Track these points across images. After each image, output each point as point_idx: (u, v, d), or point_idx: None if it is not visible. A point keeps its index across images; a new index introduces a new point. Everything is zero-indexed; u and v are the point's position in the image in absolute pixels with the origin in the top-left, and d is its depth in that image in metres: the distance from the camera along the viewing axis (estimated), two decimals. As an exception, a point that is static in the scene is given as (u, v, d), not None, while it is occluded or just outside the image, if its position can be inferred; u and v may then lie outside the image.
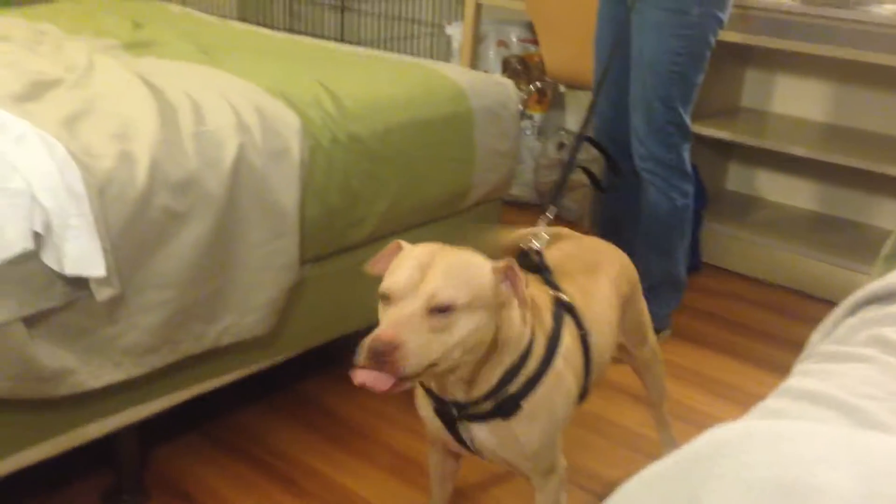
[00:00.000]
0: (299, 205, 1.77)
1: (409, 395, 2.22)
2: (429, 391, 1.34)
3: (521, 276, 1.23)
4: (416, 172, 2.06)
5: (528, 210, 3.71)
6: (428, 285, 1.15)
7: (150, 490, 1.79)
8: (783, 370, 2.42)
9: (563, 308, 1.40)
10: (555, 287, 1.43)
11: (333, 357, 2.36)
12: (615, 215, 2.78)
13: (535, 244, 1.51)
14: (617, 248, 1.71)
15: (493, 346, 1.25)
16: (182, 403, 1.75)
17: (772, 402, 1.01)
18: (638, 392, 2.31)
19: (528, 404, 1.30)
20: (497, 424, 1.31)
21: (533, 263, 1.47)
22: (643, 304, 1.76)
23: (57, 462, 1.79)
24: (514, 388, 1.29)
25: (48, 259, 1.35)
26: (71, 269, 1.35)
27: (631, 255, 2.64)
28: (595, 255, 1.62)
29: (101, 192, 1.42)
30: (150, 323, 1.55)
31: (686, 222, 2.47)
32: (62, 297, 1.40)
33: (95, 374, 1.50)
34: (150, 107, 1.64)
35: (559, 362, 1.34)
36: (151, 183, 1.50)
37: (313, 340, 1.99)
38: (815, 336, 1.21)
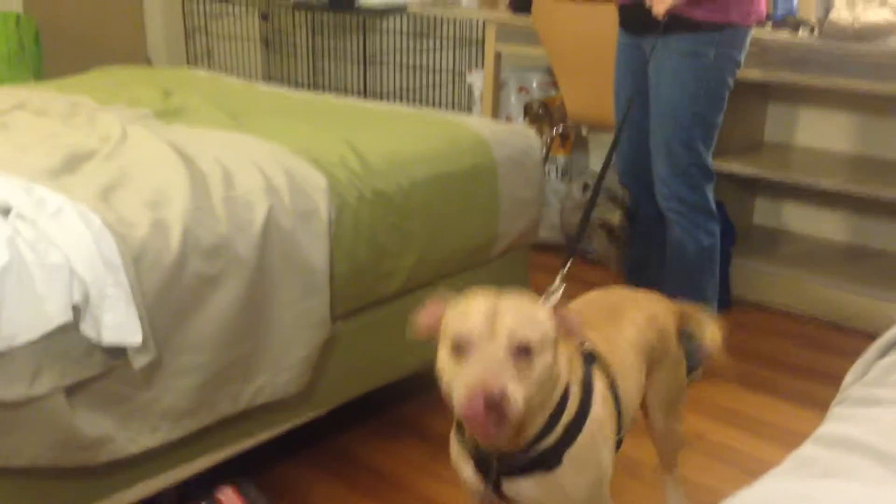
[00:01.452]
0: (329, 263, 1.80)
1: (442, 443, 2.22)
2: (465, 439, 1.33)
3: (574, 315, 1.24)
4: (442, 225, 2.08)
5: (556, 252, 3.72)
6: (504, 328, 1.15)
7: (190, 551, 1.81)
8: (820, 405, 2.40)
9: (591, 356, 1.39)
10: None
11: (368, 409, 2.37)
12: (641, 257, 2.78)
13: (550, 298, 1.50)
14: (652, 298, 1.67)
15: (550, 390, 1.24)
16: (217, 462, 1.77)
17: (806, 450, 1.00)
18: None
19: (571, 453, 1.28)
20: (542, 478, 1.29)
21: None
22: (679, 368, 1.69)
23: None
24: (553, 438, 1.27)
25: (87, 329, 1.39)
26: (109, 339, 1.39)
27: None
28: (622, 302, 1.61)
29: (136, 261, 1.46)
30: (186, 386, 1.57)
31: (714, 262, 2.46)
32: (100, 366, 1.44)
33: (134, 440, 1.52)
34: (181, 174, 1.69)
35: (597, 408, 1.32)
36: (184, 249, 1.54)
37: (347, 395, 2.00)
38: (849, 377, 1.20)
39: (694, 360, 2.56)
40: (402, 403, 2.42)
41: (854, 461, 0.88)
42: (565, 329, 1.23)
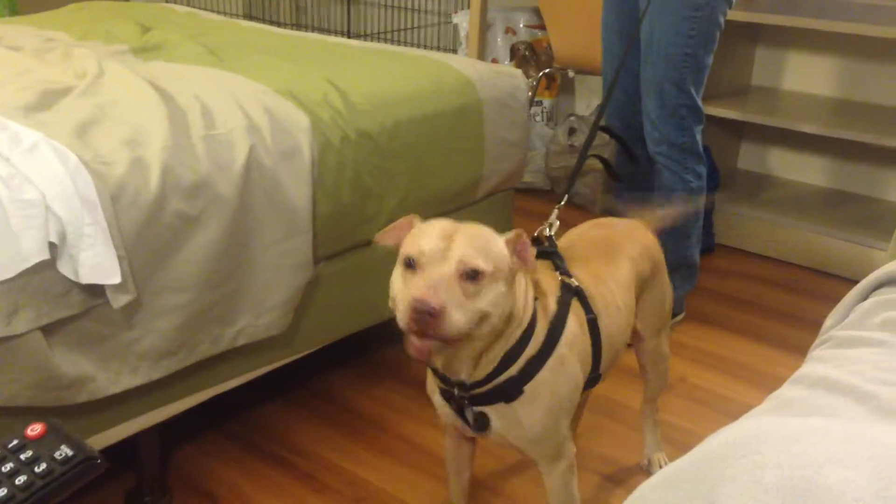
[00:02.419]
0: (311, 203, 1.77)
1: (422, 386, 2.24)
2: (435, 372, 1.36)
3: (530, 244, 1.26)
4: (426, 166, 2.06)
5: (539, 196, 3.70)
6: (456, 252, 1.18)
7: (172, 490, 1.81)
8: (799, 349, 2.43)
9: (571, 292, 1.40)
10: (564, 272, 1.43)
11: (350, 352, 2.37)
12: (628, 200, 2.77)
13: (546, 230, 1.52)
14: (645, 229, 1.70)
15: (505, 322, 1.26)
16: (201, 403, 1.77)
17: (787, 390, 1.01)
18: (655, 377, 2.31)
19: (530, 388, 1.32)
20: (501, 408, 1.33)
21: (544, 250, 1.48)
22: (667, 290, 1.74)
23: (82, 465, 1.82)
24: (514, 370, 1.30)
25: (64, 268, 1.37)
26: (87, 278, 1.37)
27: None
28: (618, 236, 1.62)
29: (114, 200, 1.44)
30: (167, 327, 1.56)
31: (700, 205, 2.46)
32: (79, 306, 1.42)
33: (114, 380, 1.51)
34: (160, 112, 1.65)
35: (563, 348, 1.35)
36: (164, 188, 1.51)
37: (329, 337, 2.00)
38: (829, 321, 1.21)
39: (676, 305, 2.57)
40: (383, 346, 2.42)
41: (833, 401, 0.89)
42: (521, 255, 1.25)
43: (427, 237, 1.21)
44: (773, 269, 3.02)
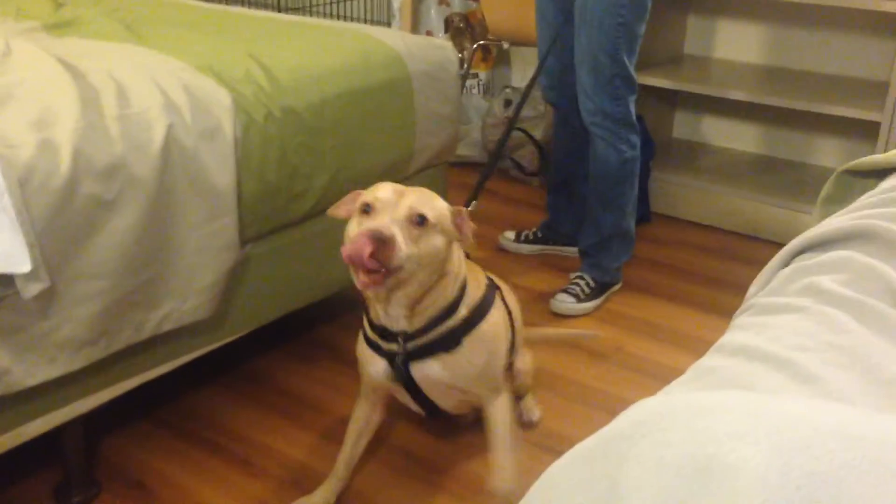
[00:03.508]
0: (236, 184, 1.73)
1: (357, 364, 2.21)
2: (373, 328, 1.54)
3: (469, 221, 1.45)
4: (355, 143, 2.02)
5: (476, 170, 3.69)
6: (407, 201, 1.37)
7: (101, 482, 1.76)
8: (729, 313, 2.45)
9: (495, 286, 1.66)
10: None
11: (283, 333, 2.33)
12: (567, 172, 2.77)
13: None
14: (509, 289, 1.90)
15: (441, 275, 1.46)
16: (128, 391, 1.72)
17: (707, 360, 1.00)
18: (593, 349, 2.32)
19: (469, 339, 1.53)
20: (444, 358, 1.53)
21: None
22: (527, 355, 1.95)
23: (5, 461, 1.76)
24: (453, 321, 1.51)
25: (-30, 258, 1.30)
26: (-6, 266, 1.31)
27: (583, 211, 2.65)
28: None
29: (21, 184, 1.37)
30: (85, 315, 1.51)
31: (634, 174, 2.47)
32: (-12, 295, 1.36)
33: (30, 372, 1.46)
34: (70, 91, 1.58)
35: (496, 311, 1.59)
36: (75, 171, 1.45)
37: (260, 319, 1.96)
38: (752, 288, 1.21)
39: (613, 275, 2.59)
40: (316, 326, 2.39)
41: (752, 369, 0.89)
42: (459, 227, 1.44)
43: (382, 189, 1.40)
44: (707, 236, 3.06)
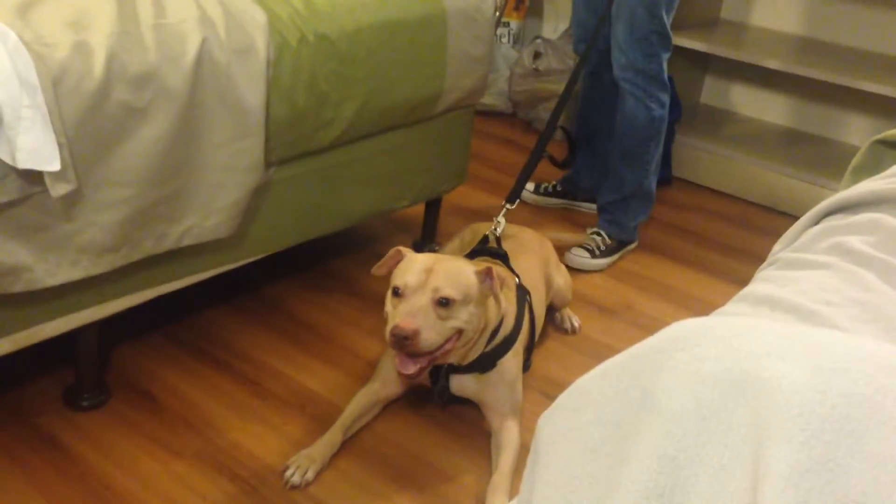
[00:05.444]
0: (265, 104, 1.72)
1: (370, 299, 2.23)
2: None
3: (497, 276, 1.60)
4: (386, 75, 2.01)
5: (500, 120, 3.67)
6: (432, 283, 1.53)
7: (111, 388, 1.79)
8: (746, 282, 2.46)
9: (525, 291, 1.83)
10: (511, 269, 1.86)
11: (299, 262, 2.34)
12: (591, 127, 2.75)
13: (498, 231, 1.94)
14: (538, 237, 2.12)
15: (483, 326, 1.66)
16: (144, 303, 1.74)
17: (731, 307, 1.01)
18: (602, 303, 2.33)
19: (502, 360, 1.72)
20: (479, 376, 1.72)
21: (495, 251, 1.89)
22: (563, 272, 2.17)
23: (19, 360, 1.79)
24: (489, 349, 1.70)
25: (0, 151, 1.31)
26: (24, 162, 1.31)
27: (604, 167, 2.64)
28: (524, 240, 2.05)
29: (55, 83, 1.37)
30: (109, 221, 1.51)
31: (661, 133, 2.45)
32: (16, 192, 1.37)
33: (52, 272, 1.47)
34: (107, -4, 1.57)
35: (518, 343, 1.76)
36: (109, 75, 1.45)
37: (279, 244, 1.97)
38: (778, 245, 1.21)
39: (629, 234, 2.58)
40: (331, 259, 2.40)
41: (778, 317, 0.89)
42: (500, 282, 1.61)
43: (410, 271, 1.56)
44: (726, 204, 3.05)
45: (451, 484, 1.66)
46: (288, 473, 1.60)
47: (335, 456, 1.67)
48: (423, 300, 1.52)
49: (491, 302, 1.68)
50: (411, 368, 1.53)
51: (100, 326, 1.70)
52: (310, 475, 1.60)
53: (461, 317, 1.56)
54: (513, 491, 1.61)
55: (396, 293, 1.55)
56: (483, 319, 1.64)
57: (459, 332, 1.58)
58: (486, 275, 1.61)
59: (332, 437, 1.67)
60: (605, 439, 0.58)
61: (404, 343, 1.49)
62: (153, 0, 1.62)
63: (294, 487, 1.59)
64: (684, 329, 0.62)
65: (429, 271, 1.55)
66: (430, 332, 1.51)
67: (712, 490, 0.49)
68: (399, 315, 1.51)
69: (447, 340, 1.57)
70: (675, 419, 0.51)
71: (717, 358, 0.56)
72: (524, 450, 1.74)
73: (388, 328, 1.51)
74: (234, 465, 1.64)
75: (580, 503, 0.59)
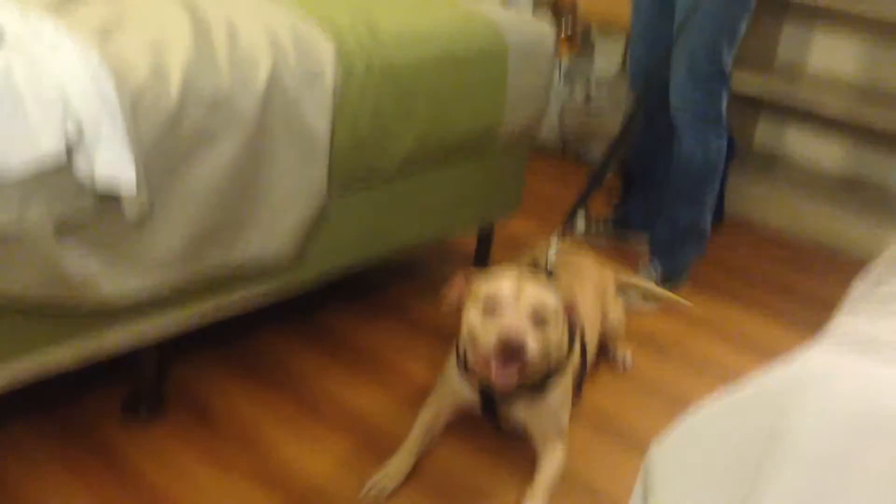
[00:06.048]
0: (330, 131, 1.76)
1: (422, 326, 2.24)
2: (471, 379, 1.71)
3: (579, 311, 1.67)
4: (446, 108, 2.04)
5: (550, 158, 3.69)
6: (528, 298, 1.53)
7: (168, 402, 1.82)
8: (799, 324, 2.43)
9: (574, 328, 1.78)
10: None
11: (352, 290, 2.37)
12: (645, 165, 2.76)
13: (551, 257, 1.92)
14: (598, 262, 2.13)
15: (556, 354, 1.66)
16: (202, 326, 1.77)
17: (825, 348, 0.99)
18: (653, 339, 2.32)
19: (552, 384, 1.70)
20: (530, 400, 1.70)
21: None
22: (619, 306, 2.15)
23: (81, 372, 1.83)
24: (544, 373, 1.69)
25: (80, 167, 1.35)
26: (102, 179, 1.35)
27: (658, 205, 2.63)
28: (585, 268, 2.04)
29: (133, 104, 1.42)
30: (176, 240, 1.55)
31: (717, 173, 2.44)
32: (91, 208, 1.41)
33: (120, 287, 1.51)
34: (184, 23, 1.62)
35: (569, 366, 1.76)
36: (184, 98, 1.49)
37: (335, 272, 1.99)
38: (856, 292, 1.19)
39: (682, 272, 2.57)
40: (385, 287, 2.42)
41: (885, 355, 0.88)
42: (569, 315, 1.65)
43: (503, 284, 1.55)
44: (779, 246, 3.02)
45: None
46: (365, 492, 1.63)
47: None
48: (522, 313, 1.52)
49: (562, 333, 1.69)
50: (511, 378, 1.52)
51: (160, 343, 1.73)
52: (387, 492, 1.65)
53: (552, 336, 1.58)
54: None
55: (489, 307, 1.54)
56: (561, 343, 1.66)
57: (546, 351, 1.58)
58: (569, 308, 1.65)
59: (404, 458, 1.70)
60: (729, 475, 0.58)
61: (513, 351, 1.48)
62: (227, 27, 1.67)
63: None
64: (806, 369, 0.62)
65: (520, 286, 1.55)
66: (534, 343, 1.52)
67: None
68: (504, 324, 1.50)
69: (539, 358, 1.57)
70: (816, 464, 0.51)
71: (848, 396, 0.56)
72: (566, 478, 1.74)
73: (490, 338, 1.50)
74: (287, 482, 1.65)
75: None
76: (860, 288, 1.12)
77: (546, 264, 1.92)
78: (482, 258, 2.50)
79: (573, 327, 1.76)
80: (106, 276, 1.48)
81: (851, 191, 3.14)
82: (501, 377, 1.52)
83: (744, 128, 3.39)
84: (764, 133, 3.50)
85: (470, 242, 2.56)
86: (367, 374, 2.02)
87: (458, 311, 1.64)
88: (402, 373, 2.04)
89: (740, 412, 0.61)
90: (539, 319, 1.54)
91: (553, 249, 1.96)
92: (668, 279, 2.54)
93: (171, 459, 1.67)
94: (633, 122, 2.23)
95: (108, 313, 1.56)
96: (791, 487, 0.52)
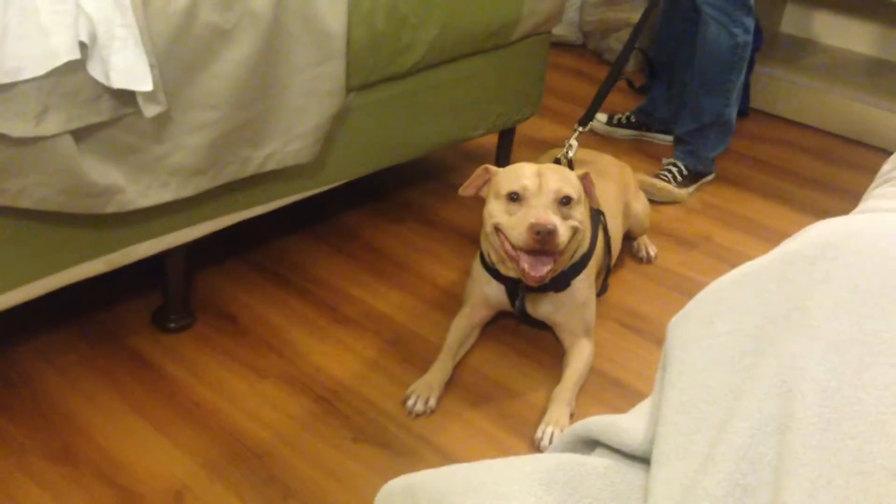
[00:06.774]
0: (346, 28, 1.70)
1: (444, 229, 2.22)
2: (496, 275, 1.71)
3: (593, 183, 1.67)
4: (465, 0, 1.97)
5: (571, 51, 3.59)
6: (550, 185, 1.54)
7: (196, 312, 1.83)
8: (827, 214, 2.39)
9: (598, 213, 1.79)
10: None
11: (373, 192, 2.35)
12: (668, 55, 2.67)
13: (570, 154, 1.91)
14: (617, 163, 2.09)
15: (584, 235, 1.66)
16: (226, 230, 1.76)
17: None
18: (680, 235, 2.30)
19: (576, 280, 1.70)
20: (553, 296, 1.71)
21: None
22: (642, 199, 2.14)
23: (110, 283, 1.83)
24: (566, 268, 1.68)
25: (94, 71, 1.31)
26: (118, 82, 1.32)
27: (682, 96, 2.57)
28: (602, 164, 2.01)
29: (145, 3, 1.37)
30: (197, 144, 1.52)
31: (744, 60, 2.37)
32: (109, 113, 1.38)
33: (143, 193, 1.49)
34: (190, -83, 1.55)
35: (592, 261, 1.74)
36: (196, -4, 1.44)
37: (356, 171, 1.96)
38: (887, 165, 1.16)
39: (707, 165, 2.53)
40: (406, 189, 2.40)
41: None
42: (586, 192, 1.64)
43: (525, 176, 1.56)
44: (807, 136, 2.95)
45: (522, 402, 1.67)
46: (410, 403, 1.62)
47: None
48: (547, 200, 1.53)
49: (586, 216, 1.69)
50: (543, 270, 1.52)
51: (185, 251, 1.72)
52: (432, 402, 1.63)
53: (577, 216, 1.57)
54: (575, 405, 1.64)
55: (514, 198, 1.55)
56: (587, 223, 1.66)
57: (575, 231, 1.58)
58: (584, 181, 1.65)
59: (444, 364, 1.69)
60: (745, 352, 0.56)
61: (546, 239, 1.48)
62: (236, -80, 1.59)
63: (419, 415, 1.61)
64: (831, 234, 0.59)
65: (539, 175, 1.56)
66: (563, 228, 1.52)
67: (881, 417, 0.47)
68: (532, 214, 1.50)
69: (569, 241, 1.58)
70: (838, 347, 0.48)
71: (875, 271, 0.53)
72: (594, 373, 1.74)
73: (522, 229, 1.50)
74: (317, 387, 1.67)
75: (714, 413, 0.58)
76: (889, 167, 1.09)
77: (566, 159, 1.90)
78: (504, 158, 2.46)
79: (595, 224, 1.76)
80: (128, 186, 1.46)
81: (880, 75, 3.05)
82: (534, 269, 1.52)
83: (770, 15, 3.27)
84: (790, 20, 3.39)
85: (490, 145, 2.51)
86: (390, 276, 2.02)
87: (479, 204, 1.64)
88: (424, 274, 2.04)
89: (757, 284, 0.58)
90: (563, 202, 1.55)
91: (573, 143, 1.93)
92: (693, 173, 2.50)
93: (203, 368, 1.69)
94: (652, 7, 2.15)
95: (131, 219, 1.55)
96: (815, 378, 0.50)
